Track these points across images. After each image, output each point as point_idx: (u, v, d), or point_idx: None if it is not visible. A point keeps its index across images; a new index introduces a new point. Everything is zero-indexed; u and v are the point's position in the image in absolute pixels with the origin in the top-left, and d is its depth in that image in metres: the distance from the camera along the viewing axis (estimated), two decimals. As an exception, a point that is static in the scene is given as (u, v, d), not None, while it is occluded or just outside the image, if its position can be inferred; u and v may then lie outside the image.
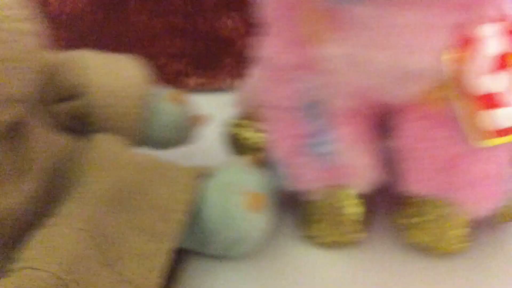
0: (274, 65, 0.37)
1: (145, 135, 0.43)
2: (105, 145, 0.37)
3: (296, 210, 0.43)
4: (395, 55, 0.32)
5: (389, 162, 0.39)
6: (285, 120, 0.38)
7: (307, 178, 0.38)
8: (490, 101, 0.33)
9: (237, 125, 0.44)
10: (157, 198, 0.35)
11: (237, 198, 0.35)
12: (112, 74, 0.41)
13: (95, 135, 0.39)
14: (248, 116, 0.44)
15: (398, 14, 0.31)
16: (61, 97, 0.40)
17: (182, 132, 0.44)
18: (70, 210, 0.31)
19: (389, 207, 0.41)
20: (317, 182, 0.38)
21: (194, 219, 0.35)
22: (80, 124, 0.40)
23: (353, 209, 0.38)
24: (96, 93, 0.40)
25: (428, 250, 0.38)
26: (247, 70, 0.45)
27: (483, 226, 0.39)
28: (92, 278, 0.29)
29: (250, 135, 0.43)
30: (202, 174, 0.36)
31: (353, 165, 0.37)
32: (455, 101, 0.33)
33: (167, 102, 0.43)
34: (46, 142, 0.36)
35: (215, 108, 0.48)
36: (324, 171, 0.37)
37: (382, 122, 0.38)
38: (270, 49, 0.37)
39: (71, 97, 0.40)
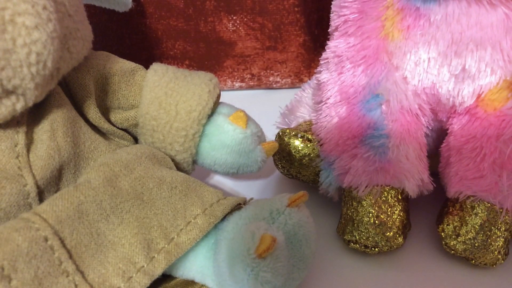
0: (341, 60, 0.36)
1: (205, 156, 0.40)
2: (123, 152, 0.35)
3: (335, 214, 0.41)
4: (464, 53, 0.31)
5: (436, 165, 0.38)
6: (344, 110, 0.36)
7: (357, 171, 0.36)
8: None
9: (288, 134, 0.41)
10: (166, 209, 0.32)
11: (247, 242, 0.29)
12: (173, 91, 0.38)
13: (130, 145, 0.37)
14: (298, 126, 0.42)
15: (471, 12, 0.30)
16: (121, 106, 0.38)
17: (245, 157, 0.39)
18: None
19: (432, 213, 0.40)
20: (366, 177, 0.35)
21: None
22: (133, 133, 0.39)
23: (397, 212, 0.36)
24: (146, 104, 0.38)
25: (469, 260, 0.36)
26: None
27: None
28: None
29: (299, 144, 0.40)
30: (228, 202, 0.33)
31: (402, 163, 0.35)
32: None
33: (231, 124, 0.39)
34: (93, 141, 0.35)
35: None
36: (375, 165, 0.35)
37: (434, 123, 0.37)
38: (340, 44, 0.36)
39: (131, 107, 0.39)
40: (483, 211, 0.34)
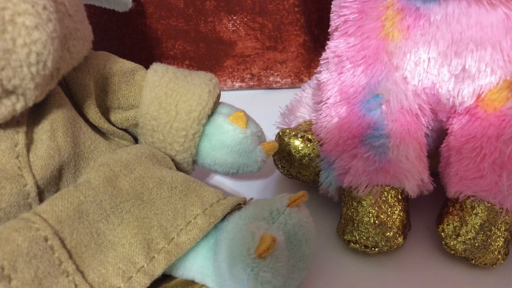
0: (341, 60, 0.35)
1: (205, 156, 0.40)
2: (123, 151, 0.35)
3: (335, 214, 0.41)
4: (464, 53, 0.31)
5: (436, 165, 0.38)
6: (344, 110, 0.36)
7: (357, 171, 0.36)
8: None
9: (288, 134, 0.41)
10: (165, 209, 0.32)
11: (247, 242, 0.29)
12: (173, 91, 0.38)
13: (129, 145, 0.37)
14: (298, 127, 0.42)
15: (471, 12, 0.30)
16: (121, 106, 0.38)
17: (245, 157, 0.39)
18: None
19: (432, 213, 0.40)
20: (366, 177, 0.35)
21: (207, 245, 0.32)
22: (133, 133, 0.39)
23: (397, 212, 0.36)
24: (146, 104, 0.38)
25: (469, 260, 0.36)
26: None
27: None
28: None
29: (299, 144, 0.40)
30: (228, 202, 0.33)
31: (402, 163, 0.35)
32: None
33: (231, 124, 0.38)
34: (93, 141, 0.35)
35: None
36: (375, 165, 0.35)
37: (434, 123, 0.37)
38: (340, 44, 0.36)
39: (131, 107, 0.39)
40: (483, 211, 0.34)
